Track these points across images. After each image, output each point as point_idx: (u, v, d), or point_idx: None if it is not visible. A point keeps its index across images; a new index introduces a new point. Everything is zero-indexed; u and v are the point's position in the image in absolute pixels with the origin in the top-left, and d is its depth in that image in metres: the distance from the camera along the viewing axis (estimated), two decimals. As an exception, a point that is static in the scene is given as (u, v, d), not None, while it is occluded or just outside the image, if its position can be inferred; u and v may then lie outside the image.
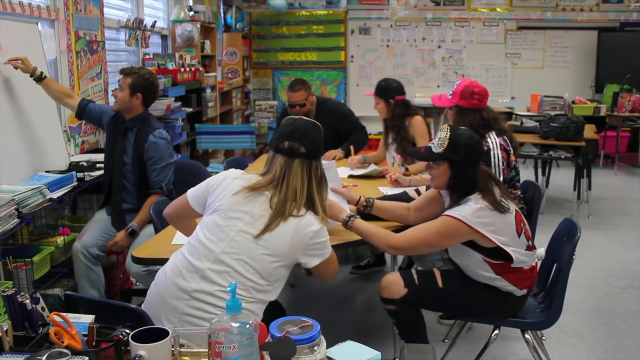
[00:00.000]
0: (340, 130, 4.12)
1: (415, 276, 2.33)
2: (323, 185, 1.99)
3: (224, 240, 1.85)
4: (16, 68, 2.97)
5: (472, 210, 2.14)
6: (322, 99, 4.30)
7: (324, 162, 2.51)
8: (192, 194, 2.03)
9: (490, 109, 2.97)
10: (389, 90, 3.67)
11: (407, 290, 2.28)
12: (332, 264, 2.01)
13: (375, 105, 3.72)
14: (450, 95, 2.94)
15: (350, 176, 3.49)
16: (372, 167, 3.59)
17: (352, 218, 2.29)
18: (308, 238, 1.87)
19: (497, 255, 2.20)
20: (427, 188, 2.84)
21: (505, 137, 2.88)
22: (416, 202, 2.57)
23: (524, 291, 2.29)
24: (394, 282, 2.31)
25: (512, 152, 2.87)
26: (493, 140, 2.83)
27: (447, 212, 2.18)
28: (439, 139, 2.20)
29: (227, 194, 1.90)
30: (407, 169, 3.49)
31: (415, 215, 2.51)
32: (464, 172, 2.19)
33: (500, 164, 2.80)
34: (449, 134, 2.19)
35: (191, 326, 1.78)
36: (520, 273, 2.26)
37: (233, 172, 1.99)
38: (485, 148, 2.83)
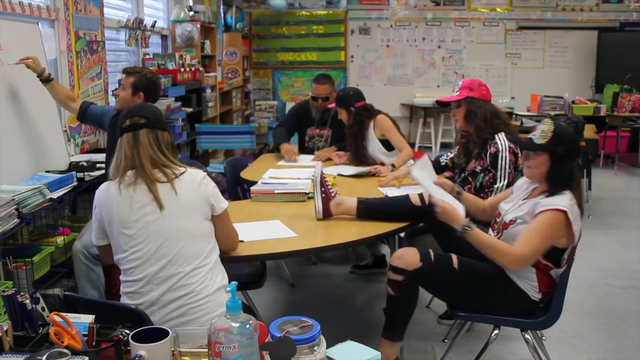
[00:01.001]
0: None
1: (432, 254, 2.33)
2: (176, 153, 2.04)
3: (147, 240, 1.86)
4: (28, 67, 2.99)
5: (568, 204, 2.15)
6: None
7: (418, 161, 2.59)
8: (95, 237, 2.00)
9: (493, 104, 3.00)
10: (348, 99, 3.76)
11: (421, 264, 2.28)
12: (231, 222, 2.09)
13: (339, 115, 3.82)
14: (457, 92, 2.95)
15: (340, 175, 3.51)
16: (362, 167, 3.62)
17: (470, 226, 2.25)
18: (204, 184, 1.95)
19: (551, 256, 2.22)
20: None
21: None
22: (491, 200, 2.65)
23: (539, 296, 2.28)
24: (410, 254, 2.31)
25: (519, 155, 2.84)
26: (502, 142, 2.83)
27: (547, 207, 2.16)
28: (542, 131, 2.20)
29: (114, 207, 1.90)
30: (393, 165, 3.53)
31: (490, 212, 2.56)
32: (564, 165, 2.21)
33: (507, 167, 2.80)
34: (552, 127, 2.19)
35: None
36: (549, 279, 2.28)
37: (99, 191, 1.97)
38: (494, 150, 2.83)
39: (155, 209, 1.87)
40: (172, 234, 1.86)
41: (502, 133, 2.87)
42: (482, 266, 2.36)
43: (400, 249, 2.40)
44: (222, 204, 2.01)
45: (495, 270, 2.31)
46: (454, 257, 2.35)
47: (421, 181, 2.57)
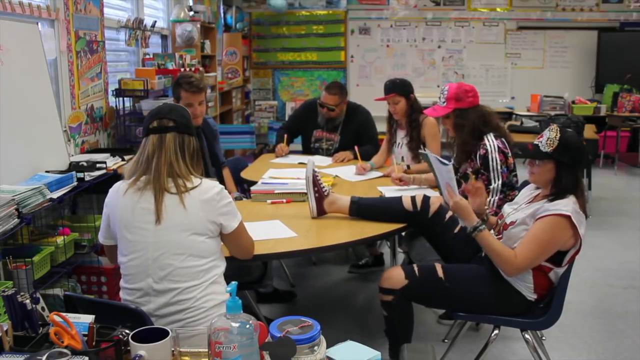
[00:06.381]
0: (362, 136, 4.07)
1: (416, 269, 2.36)
2: (199, 162, 1.97)
3: (146, 249, 1.84)
4: None
5: (572, 208, 2.15)
6: (354, 104, 4.22)
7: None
8: (101, 236, 2.00)
9: (482, 105, 2.96)
10: (408, 86, 3.64)
11: (407, 281, 2.30)
12: (246, 232, 2.05)
13: (393, 105, 3.61)
14: (444, 102, 2.91)
15: (337, 176, 3.50)
16: (376, 174, 3.60)
17: (481, 226, 2.28)
18: (216, 200, 1.88)
19: (552, 257, 2.22)
20: None
21: (504, 140, 2.87)
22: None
23: (534, 297, 2.29)
24: (395, 274, 2.34)
25: (509, 154, 2.84)
26: (491, 143, 2.82)
27: (550, 212, 2.16)
28: (548, 139, 2.20)
29: (119, 208, 1.88)
30: (408, 167, 3.48)
31: None
32: (568, 173, 2.21)
33: (499, 167, 2.79)
34: (559, 135, 2.19)
35: None
36: (547, 282, 2.28)
37: (112, 189, 1.95)
38: (483, 151, 2.82)
39: (159, 219, 1.83)
40: (171, 247, 1.83)
41: (491, 134, 2.86)
42: (470, 268, 2.37)
43: (387, 270, 2.43)
44: (234, 222, 1.94)
45: (485, 271, 2.32)
46: (438, 267, 2.36)
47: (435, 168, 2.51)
